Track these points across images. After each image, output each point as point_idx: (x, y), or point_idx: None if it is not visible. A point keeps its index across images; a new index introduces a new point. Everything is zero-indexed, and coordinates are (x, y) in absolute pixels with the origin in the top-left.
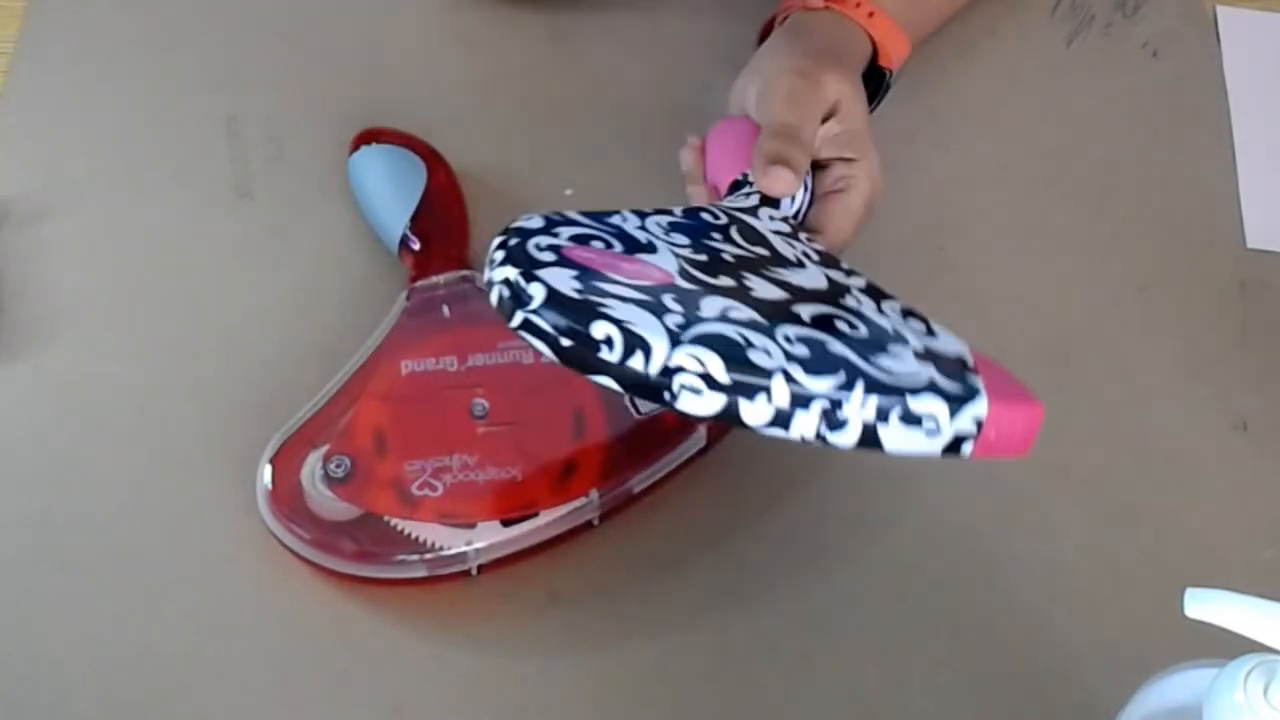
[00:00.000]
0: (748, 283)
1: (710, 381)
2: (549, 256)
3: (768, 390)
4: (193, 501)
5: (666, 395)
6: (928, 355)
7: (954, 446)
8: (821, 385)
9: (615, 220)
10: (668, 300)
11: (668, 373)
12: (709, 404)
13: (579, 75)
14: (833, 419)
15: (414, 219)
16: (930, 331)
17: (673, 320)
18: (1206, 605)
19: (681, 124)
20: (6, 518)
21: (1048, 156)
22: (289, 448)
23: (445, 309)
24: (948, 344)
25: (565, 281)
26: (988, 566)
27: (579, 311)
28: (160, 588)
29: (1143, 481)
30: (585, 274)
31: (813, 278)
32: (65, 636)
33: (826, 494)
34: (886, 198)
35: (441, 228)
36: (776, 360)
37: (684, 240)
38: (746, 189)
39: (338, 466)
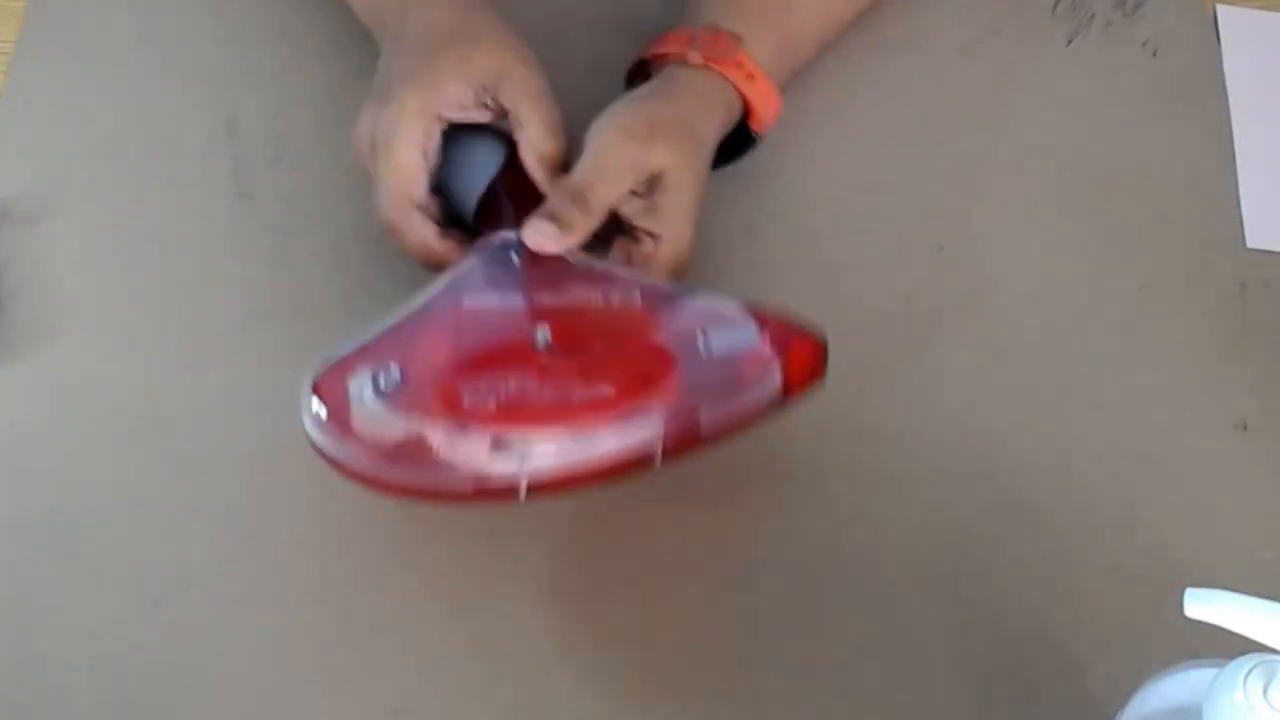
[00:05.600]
0: None
1: None
2: None
3: None
4: (192, 502)
5: None
6: None
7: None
8: None
9: None
10: None
11: None
12: None
13: (579, 75)
14: None
15: (497, 179)
16: None
17: None
18: (1206, 605)
19: None
20: (6, 518)
21: (1048, 156)
22: (340, 368)
23: (514, 256)
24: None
25: None
26: (988, 566)
27: None
28: (159, 588)
29: (1143, 481)
30: None
31: None
32: (65, 636)
33: (827, 493)
34: (887, 197)
35: (522, 192)
36: None
37: None
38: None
39: (388, 380)
